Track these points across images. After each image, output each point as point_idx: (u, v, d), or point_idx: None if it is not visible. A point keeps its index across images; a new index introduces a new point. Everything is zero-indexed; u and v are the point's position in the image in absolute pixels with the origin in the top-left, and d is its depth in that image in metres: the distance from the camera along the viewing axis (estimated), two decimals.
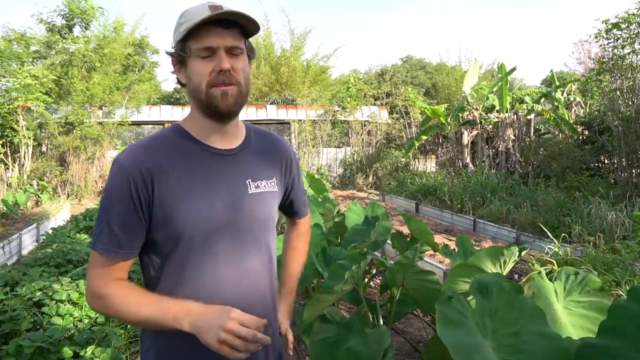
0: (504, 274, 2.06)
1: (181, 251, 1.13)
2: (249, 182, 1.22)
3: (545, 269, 3.89)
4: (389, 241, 3.92)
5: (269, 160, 1.31)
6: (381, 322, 2.40)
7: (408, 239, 3.59)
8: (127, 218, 1.10)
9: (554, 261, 3.93)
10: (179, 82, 1.20)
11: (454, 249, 2.73)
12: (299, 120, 14.31)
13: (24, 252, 6.41)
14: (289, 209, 1.48)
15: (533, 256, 5.21)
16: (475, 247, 5.82)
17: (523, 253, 2.05)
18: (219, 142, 1.20)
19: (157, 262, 1.16)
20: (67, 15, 11.20)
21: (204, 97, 1.13)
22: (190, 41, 1.11)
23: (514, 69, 11.16)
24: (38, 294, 3.24)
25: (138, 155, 1.13)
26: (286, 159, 1.36)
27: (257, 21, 1.12)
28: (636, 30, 8.05)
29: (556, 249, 4.48)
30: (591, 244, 4.50)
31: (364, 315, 2.18)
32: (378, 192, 12.31)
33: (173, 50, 1.17)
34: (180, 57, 1.15)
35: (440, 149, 13.53)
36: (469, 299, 2.15)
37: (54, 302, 3.08)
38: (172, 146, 1.17)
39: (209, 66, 1.11)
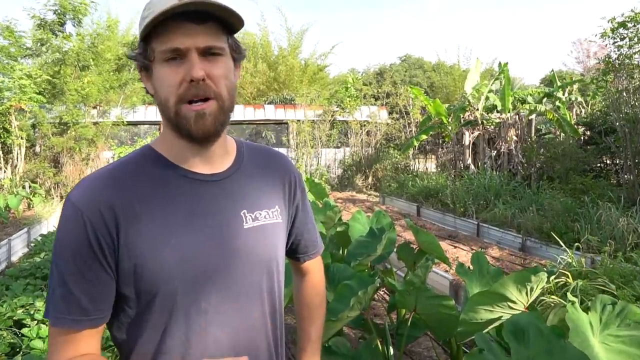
0: (529, 302, 1.86)
1: (159, 309, 0.88)
2: (244, 213, 0.96)
3: (559, 281, 3.69)
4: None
5: (268, 183, 1.04)
6: (392, 351, 2.19)
7: (415, 251, 3.38)
8: (88, 274, 0.84)
9: (568, 273, 3.73)
10: (147, 92, 0.95)
11: (469, 267, 2.52)
12: (298, 120, 14.09)
13: (14, 258, 6.19)
14: (294, 249, 1.17)
15: (543, 264, 5.01)
16: None
17: (552, 277, 1.85)
18: (203, 166, 0.95)
19: (130, 323, 0.90)
20: (58, 10, 10.94)
21: (172, 115, 0.88)
22: (154, 41, 0.86)
23: (505, 65, 10.90)
24: (19, 311, 3.02)
25: (96, 190, 0.87)
26: (290, 181, 1.09)
27: (237, 13, 0.86)
28: None
29: (569, 259, 4.27)
30: (606, 253, 4.30)
31: (374, 348, 1.97)
32: (378, 194, 12.10)
33: (135, 53, 0.91)
34: (143, 63, 0.89)
35: (440, 150, 13.33)
36: (490, 327, 1.95)
37: (35, 322, 2.85)
38: (142, 174, 0.91)
39: (178, 74, 0.85)
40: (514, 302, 1.80)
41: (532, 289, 1.78)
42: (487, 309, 1.82)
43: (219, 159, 0.98)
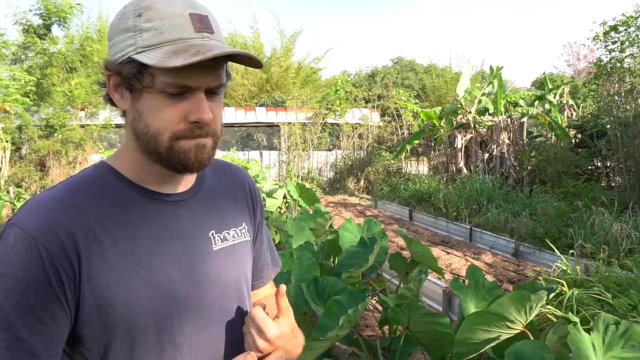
0: (528, 320, 1.76)
1: (129, 348, 0.78)
2: (212, 234, 0.89)
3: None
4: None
5: (233, 200, 0.98)
6: None
7: (408, 261, 3.29)
8: (43, 314, 0.71)
9: (563, 282, 3.65)
10: (110, 101, 0.82)
11: (463, 280, 2.43)
12: (289, 123, 13.98)
13: None
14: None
15: (537, 271, 4.95)
16: (475, 262, 5.54)
17: (551, 297, 1.76)
18: (167, 186, 0.85)
19: None
20: (43, 14, 10.73)
21: (163, 150, 0.78)
22: (156, 68, 0.73)
23: (499, 68, 10.89)
24: None
25: (51, 212, 0.74)
26: (252, 195, 1.03)
27: (260, 60, 0.79)
28: (635, 34, 7.87)
29: (564, 267, 4.20)
30: (601, 260, 4.23)
31: None
32: (370, 197, 12.02)
33: (114, 62, 0.77)
34: (129, 86, 0.77)
35: (432, 152, 13.28)
36: (487, 346, 1.85)
37: None
38: (100, 194, 0.80)
39: (179, 110, 0.75)
40: (512, 321, 1.71)
41: (531, 308, 1.69)
42: (485, 328, 1.73)
43: (183, 178, 0.88)
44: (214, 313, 0.87)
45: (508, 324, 1.71)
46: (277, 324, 0.85)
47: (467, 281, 2.31)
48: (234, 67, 18.15)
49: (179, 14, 0.74)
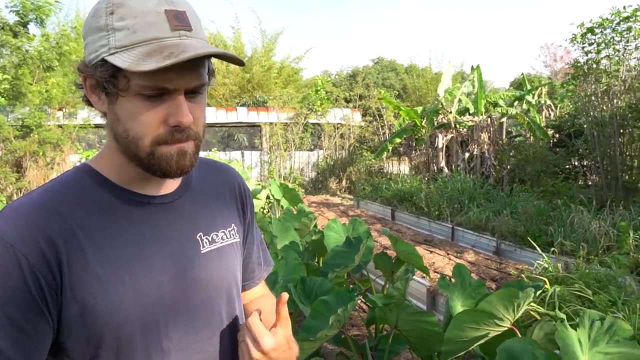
0: (516, 318, 1.78)
1: (114, 357, 0.75)
2: (200, 236, 0.86)
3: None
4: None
5: (222, 200, 0.95)
6: None
7: (393, 260, 3.30)
8: (22, 324, 0.68)
9: (545, 279, 3.71)
10: (88, 103, 0.79)
11: (450, 278, 2.45)
12: (271, 123, 13.93)
13: None
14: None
15: (519, 269, 5.02)
16: (458, 261, 5.59)
17: (539, 296, 1.78)
18: (152, 188, 0.83)
19: None
20: (19, 11, 10.46)
21: (145, 156, 0.75)
22: (129, 71, 0.69)
23: (478, 68, 11.04)
24: None
25: (30, 219, 0.71)
26: (241, 194, 1.00)
27: (242, 59, 0.75)
28: (611, 36, 8.06)
29: (545, 264, 4.27)
30: (581, 258, 4.32)
31: None
32: (352, 197, 12.05)
33: (89, 64, 0.74)
34: (105, 90, 0.74)
35: (414, 152, 13.37)
36: (475, 344, 1.86)
37: None
38: (83, 199, 0.77)
39: (158, 114, 0.72)
40: (500, 319, 1.72)
41: (519, 306, 1.71)
42: (473, 327, 1.74)
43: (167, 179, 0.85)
44: (203, 317, 0.85)
45: (496, 321, 1.73)
46: (273, 335, 0.83)
47: (453, 279, 2.33)
48: (215, 66, 18.01)
49: (153, 11, 0.70)
